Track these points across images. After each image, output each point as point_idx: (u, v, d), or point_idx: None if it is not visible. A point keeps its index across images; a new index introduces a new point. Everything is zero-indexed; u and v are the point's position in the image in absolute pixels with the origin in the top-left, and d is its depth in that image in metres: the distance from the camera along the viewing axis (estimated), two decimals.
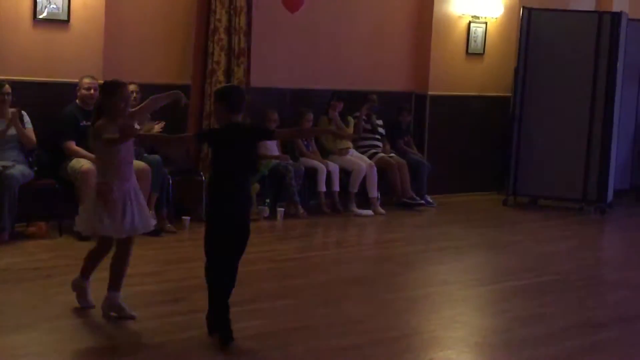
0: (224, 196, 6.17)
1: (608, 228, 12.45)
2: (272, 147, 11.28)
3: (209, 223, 6.26)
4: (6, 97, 9.16)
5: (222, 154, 6.21)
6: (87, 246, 8.55)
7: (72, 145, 9.50)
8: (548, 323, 7.19)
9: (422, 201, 12.36)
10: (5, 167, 8.97)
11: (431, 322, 7.20)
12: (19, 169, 9.09)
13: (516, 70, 13.10)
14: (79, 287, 6.87)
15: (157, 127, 9.78)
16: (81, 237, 9.06)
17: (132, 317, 6.60)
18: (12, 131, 9.21)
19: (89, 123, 9.35)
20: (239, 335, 6.24)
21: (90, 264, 6.86)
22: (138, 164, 9.44)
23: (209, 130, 6.41)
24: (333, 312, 7.19)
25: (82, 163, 9.29)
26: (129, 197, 6.60)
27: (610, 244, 11.78)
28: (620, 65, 12.59)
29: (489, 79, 13.74)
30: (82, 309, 6.81)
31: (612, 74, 12.52)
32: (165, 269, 8.40)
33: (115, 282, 6.67)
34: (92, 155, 9.28)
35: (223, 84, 10.58)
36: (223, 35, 10.67)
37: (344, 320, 6.98)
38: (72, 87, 9.72)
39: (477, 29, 13.52)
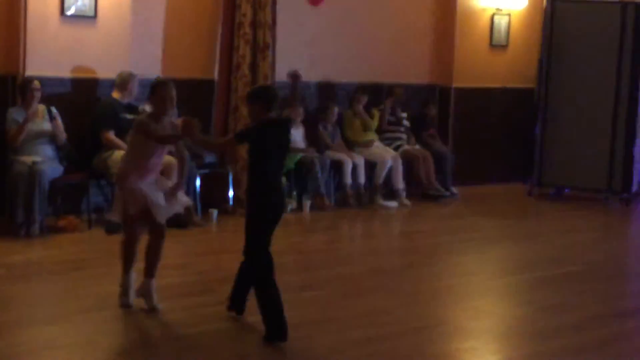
0: (271, 190, 6.27)
1: (633, 218, 12.45)
2: (298, 140, 11.36)
3: (258, 218, 6.29)
4: (35, 92, 9.28)
5: (262, 150, 6.24)
6: (116, 239, 8.72)
7: (111, 135, 9.61)
8: (573, 313, 7.23)
9: (447, 192, 12.41)
10: (35, 162, 9.10)
11: (456, 312, 7.26)
12: (49, 164, 9.21)
13: (540, 62, 13.10)
14: (121, 285, 6.85)
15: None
16: (109, 230, 9.21)
17: (154, 309, 6.65)
18: (41, 127, 9.32)
19: (126, 115, 9.59)
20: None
21: (123, 257, 6.87)
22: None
23: (247, 129, 6.49)
24: (358, 303, 7.25)
25: None
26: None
27: (635, 234, 11.75)
28: None
29: (512, 71, 13.74)
30: (113, 301, 6.90)
31: (636, 64, 12.48)
32: (192, 261, 8.50)
33: (147, 269, 6.76)
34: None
35: (249, 78, 10.69)
36: (248, 30, 10.74)
37: (369, 311, 7.04)
38: (100, 83, 9.86)
39: (501, 21, 13.53)
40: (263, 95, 6.40)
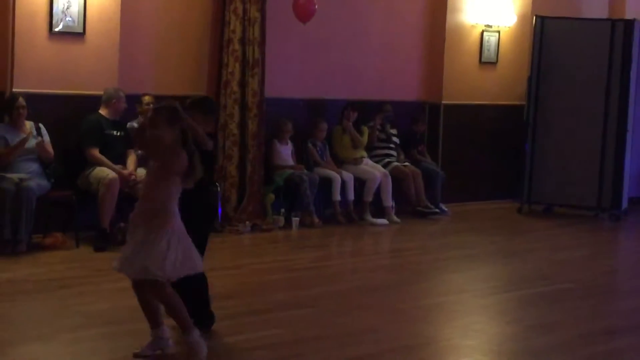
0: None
1: (623, 235, 12.45)
2: (286, 157, 11.33)
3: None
4: (21, 110, 9.22)
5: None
6: (104, 257, 8.70)
7: (96, 152, 9.56)
8: (563, 331, 7.19)
9: (437, 210, 12.37)
10: (22, 179, 9.04)
11: (446, 330, 7.22)
12: (36, 181, 9.14)
13: (529, 79, 13.11)
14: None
15: None
16: (97, 248, 9.16)
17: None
18: (28, 144, 9.27)
19: (112, 132, 9.55)
20: (254, 345, 6.28)
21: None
22: None
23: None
24: (348, 321, 7.19)
25: (107, 173, 9.34)
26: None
27: (624, 251, 11.74)
28: (633, 71, 12.58)
29: (502, 88, 13.75)
30: (101, 320, 6.84)
31: (625, 81, 12.51)
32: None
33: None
34: (113, 165, 9.40)
35: (238, 95, 10.66)
36: (237, 46, 10.73)
37: (360, 329, 6.99)
38: (88, 99, 9.79)
39: (490, 38, 13.54)
40: (214, 108, 6.60)
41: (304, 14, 10.86)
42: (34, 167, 9.30)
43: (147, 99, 10.03)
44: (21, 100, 9.23)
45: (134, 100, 10.00)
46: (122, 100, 9.78)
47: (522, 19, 13.70)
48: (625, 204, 12.89)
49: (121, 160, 9.68)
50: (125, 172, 9.52)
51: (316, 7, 10.86)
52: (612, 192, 12.66)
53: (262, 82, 10.90)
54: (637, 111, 13.10)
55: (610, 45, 12.56)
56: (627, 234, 12.49)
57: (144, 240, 5.79)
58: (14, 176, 9.06)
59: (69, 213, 9.56)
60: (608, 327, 7.42)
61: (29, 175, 9.14)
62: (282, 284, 8.42)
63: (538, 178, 12.97)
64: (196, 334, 5.93)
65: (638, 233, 12.54)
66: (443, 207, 12.54)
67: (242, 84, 10.79)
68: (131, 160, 9.72)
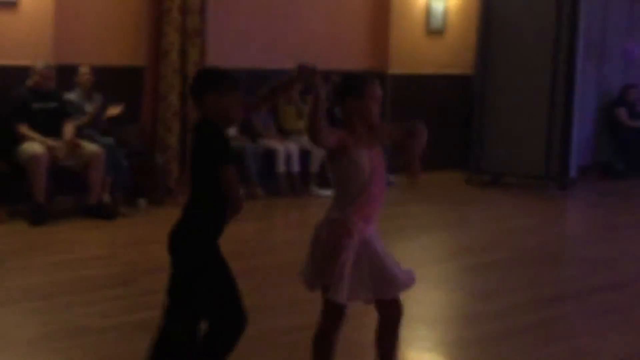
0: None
1: (570, 204, 12.42)
2: (231, 129, 11.14)
3: None
4: None
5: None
6: (38, 231, 8.52)
7: (23, 127, 9.31)
8: (504, 298, 7.14)
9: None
10: None
11: None
12: None
13: (477, 48, 13.02)
14: None
15: (115, 110, 9.79)
16: (33, 222, 8.94)
17: None
18: None
19: (41, 105, 9.27)
20: None
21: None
22: (90, 147, 9.35)
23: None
24: (287, 292, 7.10)
25: (34, 147, 9.11)
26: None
27: (571, 220, 11.74)
28: (580, 41, 12.52)
29: (449, 57, 13.66)
30: (34, 294, 6.69)
31: (572, 50, 12.45)
32: (117, 252, 8.30)
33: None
34: (44, 139, 9.18)
35: (177, 65, 10.45)
36: (177, 15, 10.49)
37: (296, 300, 6.87)
38: (20, 71, 9.53)
39: (437, 7, 13.43)
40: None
41: None
42: None
43: (83, 70, 9.82)
44: None
45: (70, 71, 9.78)
46: (41, 73, 9.43)
47: None
48: (573, 173, 12.83)
49: (56, 132, 9.41)
50: (58, 143, 9.25)
51: None
52: (560, 161, 12.61)
53: (203, 52, 10.68)
54: (584, 79, 13.06)
55: (558, 14, 12.47)
56: (575, 203, 12.47)
57: None
58: None
59: (3, 186, 9.34)
60: (550, 294, 7.37)
61: None
62: (225, 255, 8.26)
63: (486, 148, 12.93)
64: None
65: (585, 202, 12.52)
66: (390, 177, 12.42)
67: (182, 54, 10.56)
68: (68, 129, 9.43)
